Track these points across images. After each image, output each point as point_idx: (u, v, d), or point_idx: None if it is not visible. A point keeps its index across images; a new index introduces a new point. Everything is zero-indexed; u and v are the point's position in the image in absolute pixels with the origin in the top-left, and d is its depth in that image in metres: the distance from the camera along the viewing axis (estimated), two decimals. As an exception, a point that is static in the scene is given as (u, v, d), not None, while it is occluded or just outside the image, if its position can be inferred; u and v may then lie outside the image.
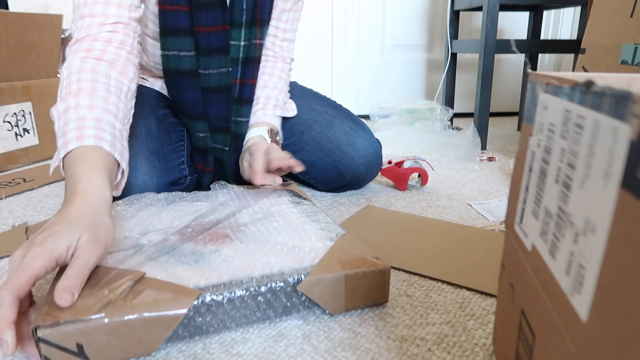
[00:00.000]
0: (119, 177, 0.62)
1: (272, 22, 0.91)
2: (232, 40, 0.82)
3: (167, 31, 0.75)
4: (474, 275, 0.59)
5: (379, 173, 0.98)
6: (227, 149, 0.87)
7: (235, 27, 0.81)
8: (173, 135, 0.83)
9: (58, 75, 1.38)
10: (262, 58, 0.92)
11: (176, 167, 0.79)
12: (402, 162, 0.98)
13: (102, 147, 0.57)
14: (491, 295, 0.55)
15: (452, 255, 0.64)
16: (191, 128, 0.84)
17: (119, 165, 0.61)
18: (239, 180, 0.90)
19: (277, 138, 0.91)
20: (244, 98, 0.87)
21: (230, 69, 0.82)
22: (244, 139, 0.89)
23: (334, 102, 1.01)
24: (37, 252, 0.41)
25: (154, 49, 0.82)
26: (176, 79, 0.79)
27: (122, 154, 0.61)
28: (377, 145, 0.94)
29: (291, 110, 0.96)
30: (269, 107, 0.91)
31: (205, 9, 0.76)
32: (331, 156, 0.91)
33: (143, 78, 0.92)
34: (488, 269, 0.60)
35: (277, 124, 0.92)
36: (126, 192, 0.72)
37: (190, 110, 0.81)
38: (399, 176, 0.96)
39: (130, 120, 0.69)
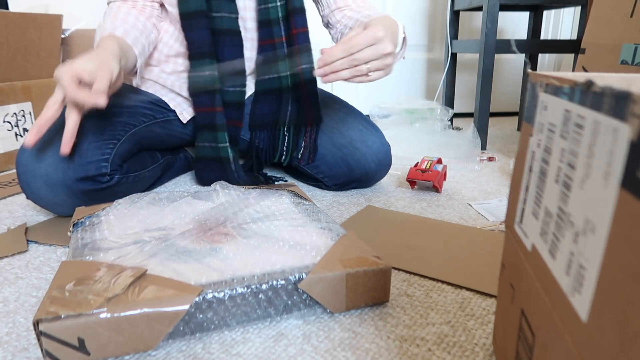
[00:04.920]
0: (135, 58, 0.82)
1: None
2: (270, 3, 0.90)
3: None
4: (474, 275, 0.59)
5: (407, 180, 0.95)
6: (245, 89, 0.93)
7: None
8: (108, 131, 0.82)
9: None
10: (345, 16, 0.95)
11: (93, 164, 0.76)
12: (432, 164, 0.95)
13: (115, 34, 0.79)
14: (491, 295, 0.55)
15: (452, 255, 0.64)
16: (197, 70, 0.89)
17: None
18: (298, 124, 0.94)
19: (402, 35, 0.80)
20: (300, 47, 0.92)
21: (238, 14, 0.91)
22: (314, 84, 0.94)
23: (346, 102, 1.02)
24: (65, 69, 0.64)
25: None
26: (187, 21, 0.87)
27: (134, 41, 0.81)
28: (388, 145, 0.94)
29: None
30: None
31: None
32: (342, 150, 0.91)
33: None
34: (488, 269, 0.60)
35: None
36: (32, 182, 0.74)
37: (198, 48, 0.88)
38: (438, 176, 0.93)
39: (147, 54, 0.87)
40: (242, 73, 0.93)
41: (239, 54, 0.91)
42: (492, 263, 0.62)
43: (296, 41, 0.92)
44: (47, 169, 0.73)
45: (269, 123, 0.96)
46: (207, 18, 0.88)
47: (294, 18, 0.90)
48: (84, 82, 0.66)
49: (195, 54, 0.89)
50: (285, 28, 0.92)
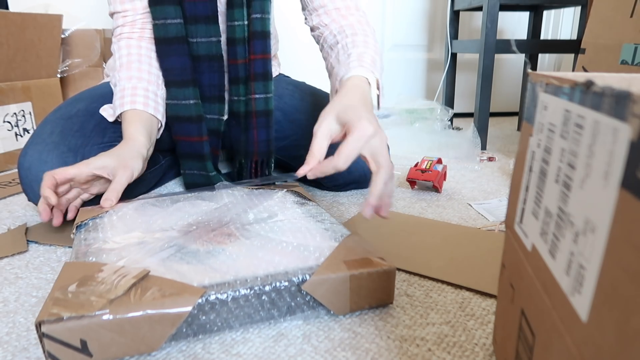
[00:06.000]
0: (160, 124, 0.84)
1: None
2: (237, 21, 0.85)
3: (155, 1, 0.82)
4: (474, 275, 0.59)
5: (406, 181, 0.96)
6: (225, 118, 0.90)
7: (236, 7, 0.84)
8: (109, 134, 0.83)
9: (58, 75, 1.38)
10: (326, 23, 0.88)
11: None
12: (432, 164, 0.95)
13: (137, 108, 0.79)
14: (491, 295, 0.55)
15: (452, 255, 0.64)
16: (179, 98, 0.85)
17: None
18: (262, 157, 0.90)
19: (379, 96, 0.74)
20: (257, 74, 0.87)
21: (221, 38, 0.86)
22: (267, 116, 0.88)
23: None
24: (82, 163, 0.68)
25: None
26: (165, 46, 0.84)
27: (156, 108, 0.82)
28: (387, 145, 0.93)
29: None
30: (366, 61, 0.74)
31: None
32: None
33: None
34: (488, 269, 0.60)
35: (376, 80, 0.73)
36: (35, 185, 0.74)
37: (180, 76, 0.85)
38: (439, 176, 0.93)
39: (164, 96, 0.86)
40: (220, 100, 0.89)
41: (218, 79, 0.88)
42: (492, 263, 0.62)
43: (253, 67, 0.86)
44: None
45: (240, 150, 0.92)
46: (187, 44, 0.84)
47: (254, 42, 0.85)
48: (103, 177, 0.69)
49: (177, 82, 0.85)
50: (247, 50, 0.87)
